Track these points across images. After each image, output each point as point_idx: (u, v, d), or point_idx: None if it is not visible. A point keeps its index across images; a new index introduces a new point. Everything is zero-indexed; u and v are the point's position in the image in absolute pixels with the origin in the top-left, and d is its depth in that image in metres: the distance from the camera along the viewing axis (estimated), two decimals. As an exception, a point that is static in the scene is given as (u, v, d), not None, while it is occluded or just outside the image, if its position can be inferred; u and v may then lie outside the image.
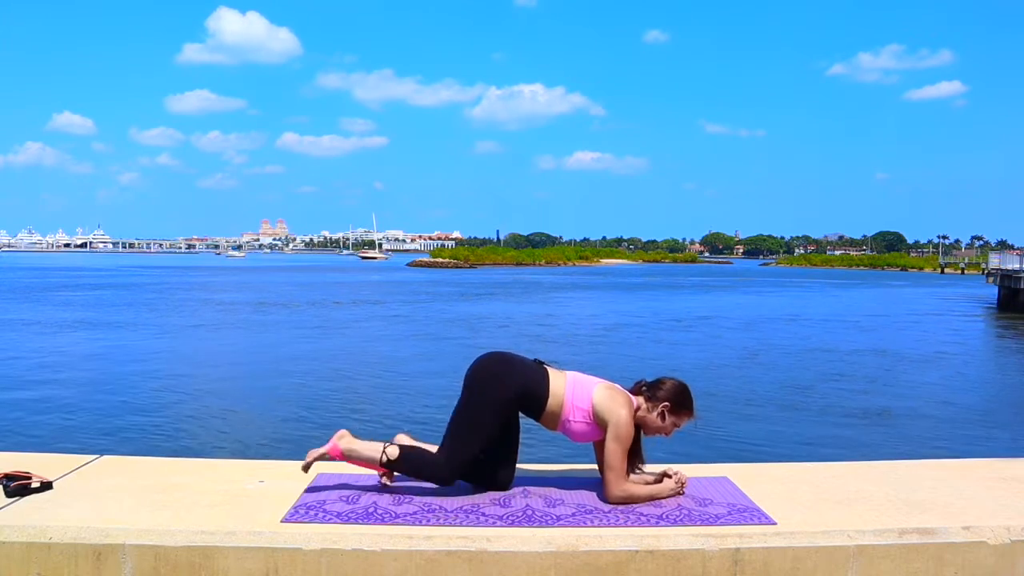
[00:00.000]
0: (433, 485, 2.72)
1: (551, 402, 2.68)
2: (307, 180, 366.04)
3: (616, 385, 2.74)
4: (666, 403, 2.69)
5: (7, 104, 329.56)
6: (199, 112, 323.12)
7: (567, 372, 2.77)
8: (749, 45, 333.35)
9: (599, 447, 2.69)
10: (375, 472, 2.78)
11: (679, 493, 2.67)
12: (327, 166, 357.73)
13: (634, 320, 25.12)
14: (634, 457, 2.73)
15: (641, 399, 2.72)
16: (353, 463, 2.75)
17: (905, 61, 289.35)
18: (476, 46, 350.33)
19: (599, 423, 2.65)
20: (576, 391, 2.69)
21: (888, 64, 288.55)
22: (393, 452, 2.67)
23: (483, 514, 2.47)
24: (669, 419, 2.70)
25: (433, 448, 2.78)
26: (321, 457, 2.71)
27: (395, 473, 2.78)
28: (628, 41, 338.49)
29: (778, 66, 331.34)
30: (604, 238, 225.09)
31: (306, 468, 2.71)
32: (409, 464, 2.68)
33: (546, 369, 2.75)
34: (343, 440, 2.71)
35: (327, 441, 2.73)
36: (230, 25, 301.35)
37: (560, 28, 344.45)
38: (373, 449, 2.70)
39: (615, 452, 2.59)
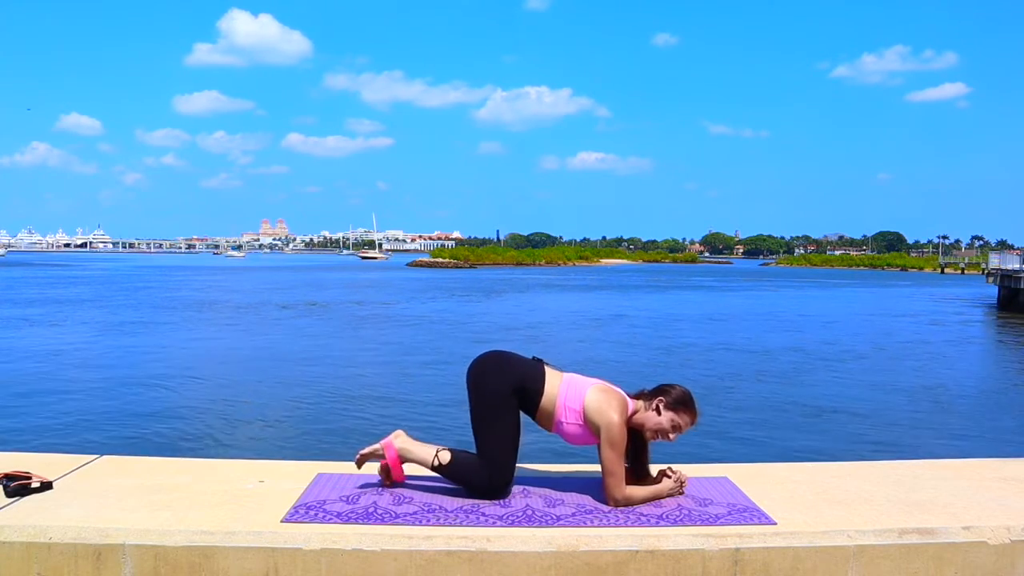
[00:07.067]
0: (436, 490, 2.70)
1: (545, 401, 2.67)
2: (311, 180, 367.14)
3: (613, 387, 2.70)
4: (662, 399, 2.66)
5: (15, 104, 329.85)
6: (206, 113, 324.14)
7: (564, 373, 2.75)
8: (754, 47, 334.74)
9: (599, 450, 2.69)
10: (374, 472, 2.78)
11: (679, 493, 2.67)
12: (331, 166, 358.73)
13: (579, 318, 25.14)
14: (640, 460, 2.72)
15: (640, 403, 2.70)
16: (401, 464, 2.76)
17: (909, 63, 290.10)
18: (487, 48, 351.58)
19: (591, 426, 2.63)
20: (569, 392, 2.67)
21: (892, 66, 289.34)
22: (445, 457, 2.67)
23: (483, 514, 2.47)
24: (666, 416, 2.65)
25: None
26: (374, 453, 2.73)
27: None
28: (638, 44, 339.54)
29: (782, 68, 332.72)
30: (604, 238, 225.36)
31: (359, 464, 2.76)
32: (457, 469, 2.67)
33: (543, 367, 2.74)
34: (399, 439, 2.73)
35: (381, 439, 2.75)
36: (242, 27, 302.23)
37: (571, 31, 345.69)
38: (426, 451, 2.71)
39: (610, 458, 2.57)
